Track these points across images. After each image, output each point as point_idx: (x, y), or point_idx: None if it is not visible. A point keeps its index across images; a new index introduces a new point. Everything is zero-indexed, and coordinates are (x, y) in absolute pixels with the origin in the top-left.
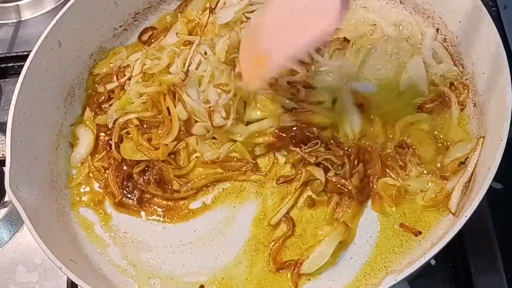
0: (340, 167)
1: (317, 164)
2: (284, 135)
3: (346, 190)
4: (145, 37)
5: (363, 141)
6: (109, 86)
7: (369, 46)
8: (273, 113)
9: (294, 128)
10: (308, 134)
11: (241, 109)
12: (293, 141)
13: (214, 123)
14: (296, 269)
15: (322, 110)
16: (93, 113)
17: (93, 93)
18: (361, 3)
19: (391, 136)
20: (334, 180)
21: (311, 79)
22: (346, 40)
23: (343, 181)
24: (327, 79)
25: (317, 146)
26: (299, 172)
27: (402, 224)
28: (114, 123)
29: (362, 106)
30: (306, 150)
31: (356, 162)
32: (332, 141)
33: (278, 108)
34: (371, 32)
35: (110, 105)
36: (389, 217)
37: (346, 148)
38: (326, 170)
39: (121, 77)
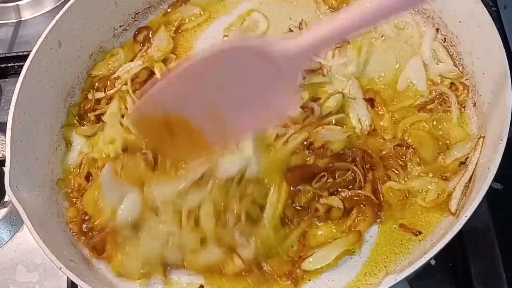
0: (353, 182)
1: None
2: (293, 174)
3: (364, 197)
4: (140, 38)
5: (368, 140)
6: (98, 95)
7: (370, 46)
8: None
9: (300, 167)
10: (314, 170)
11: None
12: (302, 179)
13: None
14: (297, 264)
15: (335, 129)
16: (77, 120)
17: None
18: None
19: (393, 137)
20: (349, 195)
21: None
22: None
23: (358, 191)
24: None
25: (325, 178)
26: (316, 209)
27: (402, 225)
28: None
29: (372, 101)
30: (316, 186)
31: (365, 170)
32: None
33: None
34: (371, 31)
35: (96, 115)
36: (389, 217)
37: (349, 153)
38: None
39: (110, 89)
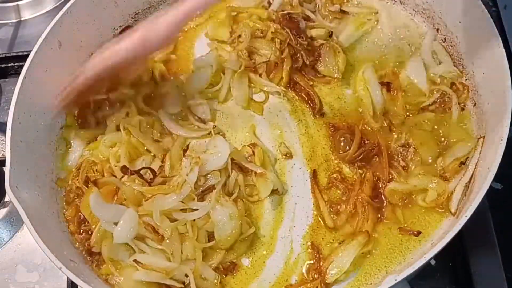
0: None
1: None
2: None
3: (363, 200)
4: None
5: (379, 134)
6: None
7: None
8: None
9: None
10: None
11: None
12: None
13: None
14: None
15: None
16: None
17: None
18: (361, 3)
19: (397, 136)
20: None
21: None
22: (343, 11)
23: (356, 196)
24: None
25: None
26: None
27: (401, 228)
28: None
29: (389, 84)
30: None
31: (363, 173)
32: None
33: None
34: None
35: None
36: (390, 218)
37: (364, 141)
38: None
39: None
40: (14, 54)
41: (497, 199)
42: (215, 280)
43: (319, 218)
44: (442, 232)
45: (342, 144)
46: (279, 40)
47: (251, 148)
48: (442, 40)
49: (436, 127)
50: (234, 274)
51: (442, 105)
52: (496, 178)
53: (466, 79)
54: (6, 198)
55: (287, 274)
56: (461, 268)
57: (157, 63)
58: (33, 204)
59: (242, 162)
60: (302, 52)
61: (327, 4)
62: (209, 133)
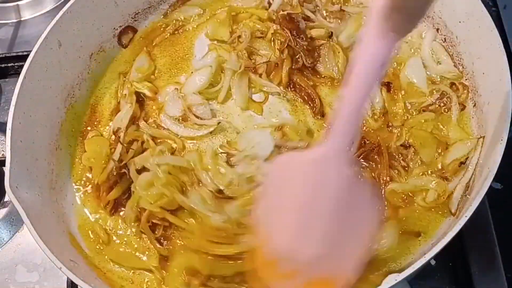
0: None
1: None
2: None
3: None
4: (125, 40)
5: (380, 133)
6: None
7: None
8: None
9: None
10: None
11: None
12: None
13: None
14: None
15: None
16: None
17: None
18: (361, 3)
19: (397, 136)
20: None
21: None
22: (343, 11)
23: None
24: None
25: None
26: None
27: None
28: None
29: (389, 84)
30: None
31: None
32: None
33: None
34: None
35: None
36: (390, 218)
37: (364, 141)
38: None
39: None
40: (14, 54)
41: (497, 199)
42: None
43: None
44: (442, 232)
45: None
46: (279, 41)
47: (278, 130)
48: (442, 40)
49: (436, 127)
50: None
51: (442, 105)
52: (496, 178)
53: (466, 79)
54: (6, 198)
55: None
56: (461, 268)
57: (138, 83)
58: (33, 204)
59: (282, 143)
60: (301, 53)
61: (327, 4)
62: (212, 132)
